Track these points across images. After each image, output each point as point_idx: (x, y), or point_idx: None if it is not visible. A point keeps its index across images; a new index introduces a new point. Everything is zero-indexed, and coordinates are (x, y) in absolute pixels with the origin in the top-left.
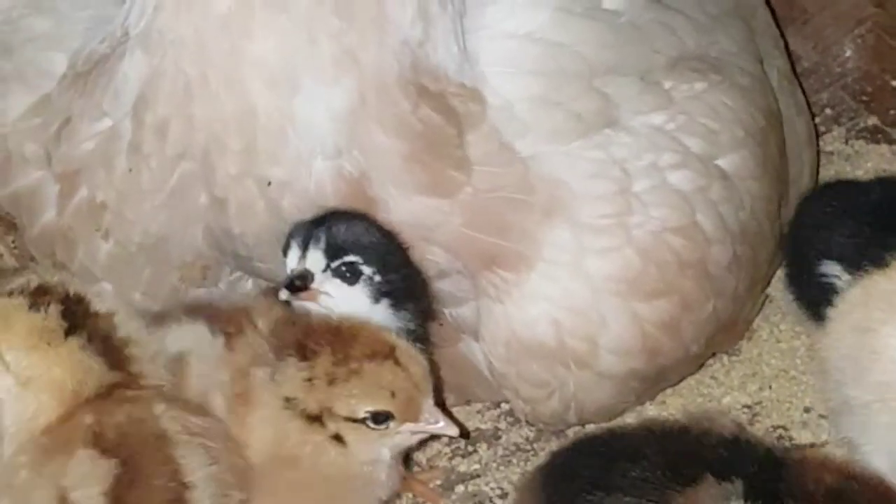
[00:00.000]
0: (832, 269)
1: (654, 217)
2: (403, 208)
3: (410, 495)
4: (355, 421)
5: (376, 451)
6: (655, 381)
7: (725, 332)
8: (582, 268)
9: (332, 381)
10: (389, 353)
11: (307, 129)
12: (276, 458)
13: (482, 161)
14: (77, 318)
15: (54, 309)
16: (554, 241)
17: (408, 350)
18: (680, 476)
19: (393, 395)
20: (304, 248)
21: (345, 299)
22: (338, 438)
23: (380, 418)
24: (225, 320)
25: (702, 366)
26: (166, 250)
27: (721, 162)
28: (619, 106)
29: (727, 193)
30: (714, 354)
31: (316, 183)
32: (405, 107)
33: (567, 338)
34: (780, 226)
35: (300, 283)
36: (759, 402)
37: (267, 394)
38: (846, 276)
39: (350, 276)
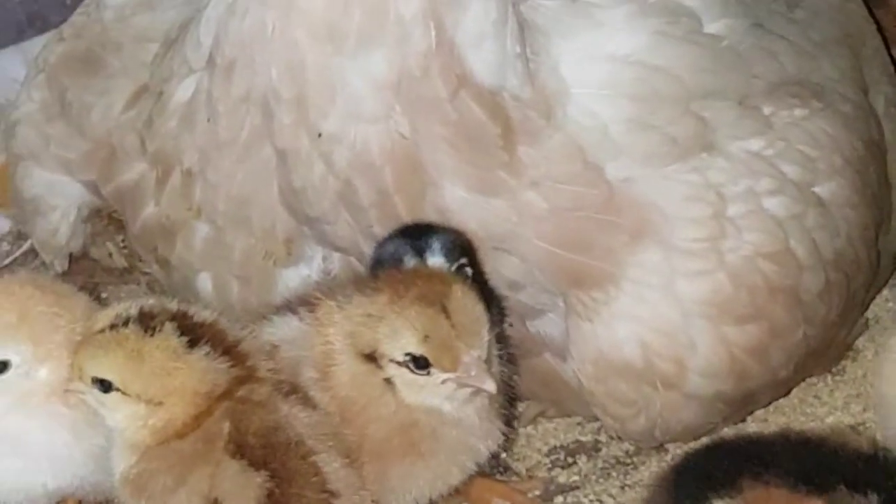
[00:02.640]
0: None
1: (748, 242)
2: (458, 198)
3: None
4: (399, 364)
5: (425, 398)
6: (742, 404)
7: (816, 358)
8: (672, 290)
9: (382, 319)
10: (437, 300)
11: (350, 89)
12: (355, 405)
13: (561, 179)
14: (193, 330)
15: (169, 327)
16: (643, 263)
17: (465, 303)
18: (812, 484)
19: (426, 338)
20: (419, 255)
21: None
22: (389, 382)
23: (420, 363)
24: (310, 301)
25: (790, 390)
26: (248, 216)
27: (818, 189)
28: (716, 130)
29: (823, 220)
30: (811, 375)
31: (362, 142)
32: (442, 93)
33: (655, 359)
34: (877, 253)
35: None
36: (863, 423)
37: (340, 341)
38: None
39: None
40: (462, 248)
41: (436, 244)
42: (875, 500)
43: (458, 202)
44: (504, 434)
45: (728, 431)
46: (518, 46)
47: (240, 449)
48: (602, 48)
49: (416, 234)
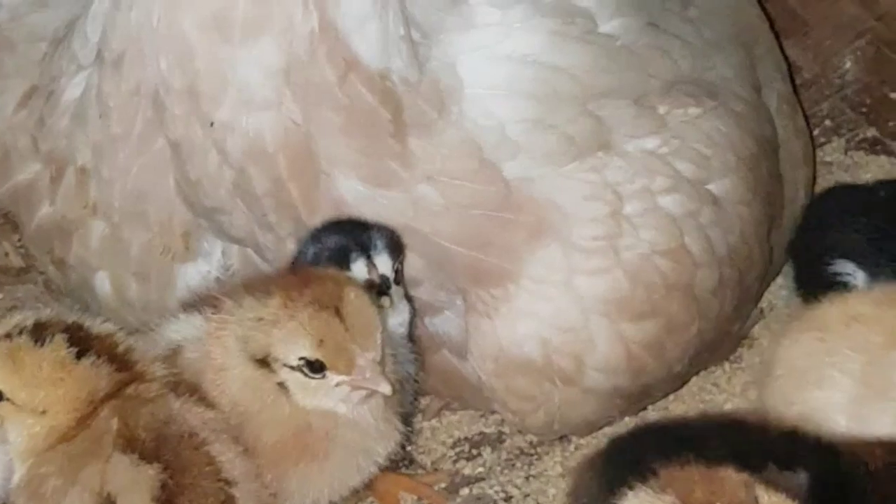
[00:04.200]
0: (845, 268)
1: (644, 240)
2: (352, 189)
3: (416, 498)
4: (293, 368)
5: (319, 401)
6: (639, 398)
7: (711, 352)
8: (571, 287)
9: (275, 324)
10: (331, 303)
11: (240, 77)
12: (249, 410)
13: (457, 175)
14: (83, 341)
15: (60, 338)
16: (542, 261)
17: (359, 305)
18: (741, 465)
19: (321, 343)
20: (365, 252)
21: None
22: (282, 386)
23: (314, 367)
24: (212, 302)
25: (685, 383)
26: (145, 211)
27: (712, 187)
28: (612, 129)
29: (717, 218)
30: (706, 368)
31: (255, 130)
32: (331, 77)
33: (554, 355)
34: (770, 248)
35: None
36: (755, 409)
37: (233, 345)
38: (860, 274)
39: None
40: (399, 245)
41: (379, 242)
42: (803, 476)
43: (352, 193)
44: (402, 434)
45: (654, 415)
46: (402, 28)
47: (130, 443)
48: (499, 48)
49: (355, 230)
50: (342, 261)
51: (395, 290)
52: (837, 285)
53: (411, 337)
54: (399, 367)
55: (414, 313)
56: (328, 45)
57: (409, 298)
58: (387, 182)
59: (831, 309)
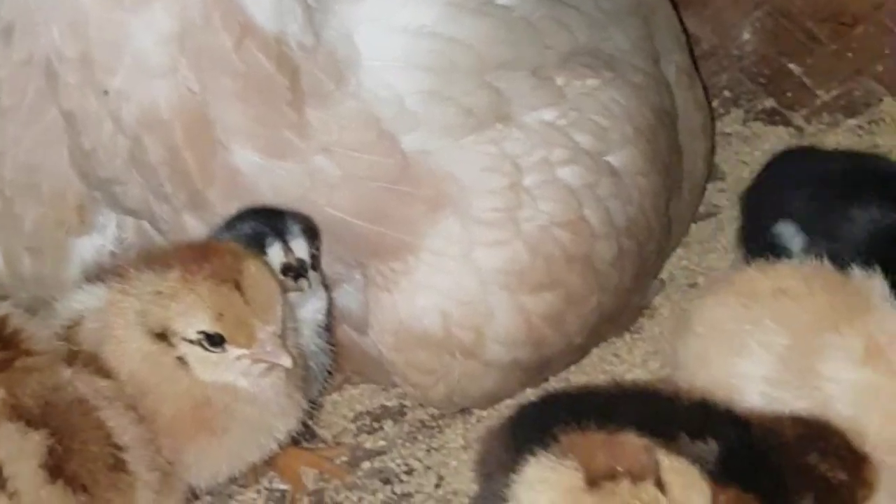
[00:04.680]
0: (787, 230)
1: (543, 211)
2: (247, 159)
3: (317, 472)
4: (192, 342)
5: (219, 375)
6: (539, 370)
7: (610, 323)
8: (471, 260)
9: (173, 297)
10: (230, 276)
11: (135, 44)
12: (147, 384)
13: (355, 147)
14: None
15: None
16: (442, 233)
17: (259, 278)
18: (653, 434)
19: (220, 316)
20: (281, 237)
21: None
22: (181, 360)
23: (214, 340)
24: (118, 271)
25: (585, 355)
26: (37, 184)
27: (610, 158)
28: (510, 101)
29: (615, 189)
30: (605, 340)
31: (150, 98)
32: (226, 42)
33: (454, 328)
34: (669, 219)
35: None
36: (661, 379)
37: (133, 317)
38: (800, 237)
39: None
40: (315, 230)
41: (295, 227)
42: (714, 445)
43: (248, 163)
44: (305, 411)
45: (562, 384)
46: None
47: (16, 411)
48: (395, 19)
49: (271, 216)
50: (257, 246)
51: (313, 276)
52: (777, 247)
53: (328, 327)
54: (315, 357)
55: (331, 302)
56: (222, 8)
57: (326, 286)
58: (283, 152)
59: (761, 277)
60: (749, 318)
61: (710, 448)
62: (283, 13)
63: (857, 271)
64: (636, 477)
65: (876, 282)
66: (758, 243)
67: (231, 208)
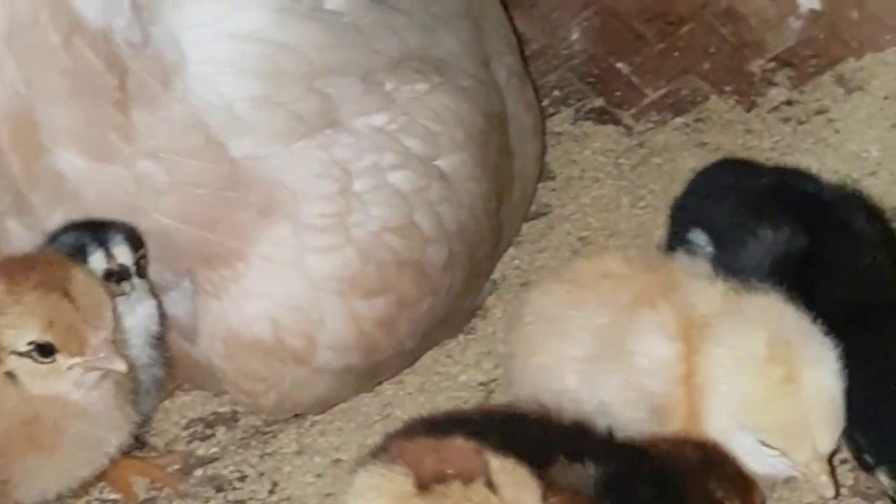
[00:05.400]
0: (699, 238)
1: (374, 216)
2: (72, 163)
3: (148, 481)
4: (21, 355)
5: (51, 386)
6: (371, 375)
7: (442, 327)
8: (302, 266)
9: (0, 310)
10: (59, 285)
11: None
12: None
13: (182, 153)
14: None
15: None
16: (272, 239)
17: (88, 285)
18: (531, 458)
19: (51, 324)
20: (103, 246)
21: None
22: (11, 376)
23: (45, 351)
24: None
25: (417, 360)
26: None
27: (441, 163)
28: (340, 107)
29: (446, 194)
30: (437, 344)
31: None
32: (55, 39)
33: (285, 335)
34: (500, 223)
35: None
36: (494, 380)
37: None
38: (710, 248)
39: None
40: (140, 240)
41: (118, 235)
42: (592, 469)
43: (73, 167)
44: (136, 424)
45: (392, 391)
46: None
47: None
48: (225, 24)
49: (94, 227)
50: (79, 255)
51: (140, 284)
52: (692, 255)
53: (160, 337)
54: (147, 370)
55: (164, 313)
56: (51, 5)
57: (155, 294)
58: (107, 156)
59: (586, 263)
60: (573, 304)
61: (588, 471)
62: (111, 6)
63: (679, 254)
64: (466, 479)
65: (697, 261)
66: (675, 250)
67: (55, 214)
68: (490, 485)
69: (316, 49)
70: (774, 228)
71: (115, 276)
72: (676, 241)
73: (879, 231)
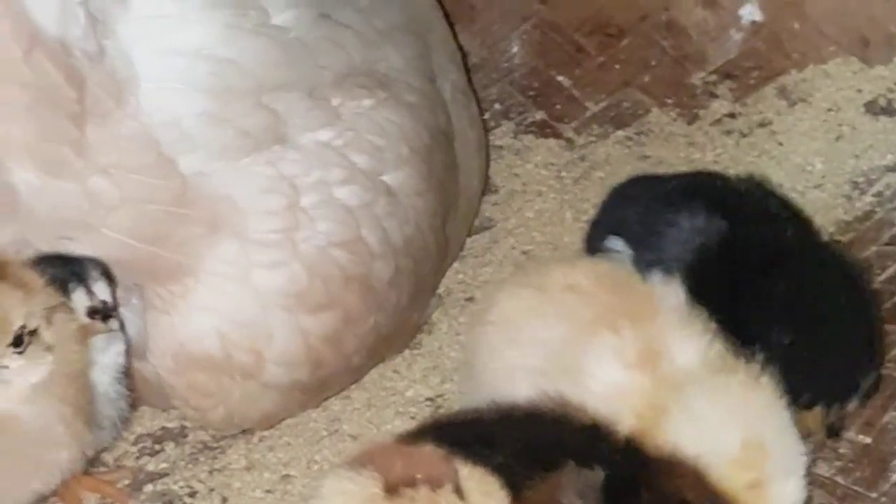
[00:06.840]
0: (615, 244)
1: (321, 232)
2: (25, 178)
3: (98, 496)
4: None
5: None
6: (318, 390)
7: (388, 343)
8: (249, 281)
9: None
10: None
11: None
12: None
13: (134, 169)
14: None
15: None
16: (220, 255)
17: None
18: (539, 462)
19: None
20: (83, 283)
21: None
22: None
23: None
24: None
25: (363, 376)
26: None
27: (387, 178)
28: (287, 122)
29: (392, 209)
30: (383, 360)
31: None
32: (16, 52)
33: (233, 350)
34: (445, 238)
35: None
36: (441, 395)
37: None
38: (627, 252)
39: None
40: (112, 275)
41: (94, 271)
42: (601, 473)
43: (25, 183)
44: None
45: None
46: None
47: None
48: (173, 40)
49: (68, 262)
50: (60, 292)
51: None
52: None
53: (126, 372)
54: (113, 404)
55: (128, 345)
56: (11, 17)
57: (122, 327)
58: (60, 172)
59: (555, 271)
60: (536, 312)
61: (597, 475)
62: (67, 15)
63: (656, 277)
64: (435, 484)
65: (670, 289)
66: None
67: (8, 231)
68: (458, 491)
69: (263, 65)
70: (691, 215)
71: (101, 313)
72: (596, 251)
73: (791, 211)
